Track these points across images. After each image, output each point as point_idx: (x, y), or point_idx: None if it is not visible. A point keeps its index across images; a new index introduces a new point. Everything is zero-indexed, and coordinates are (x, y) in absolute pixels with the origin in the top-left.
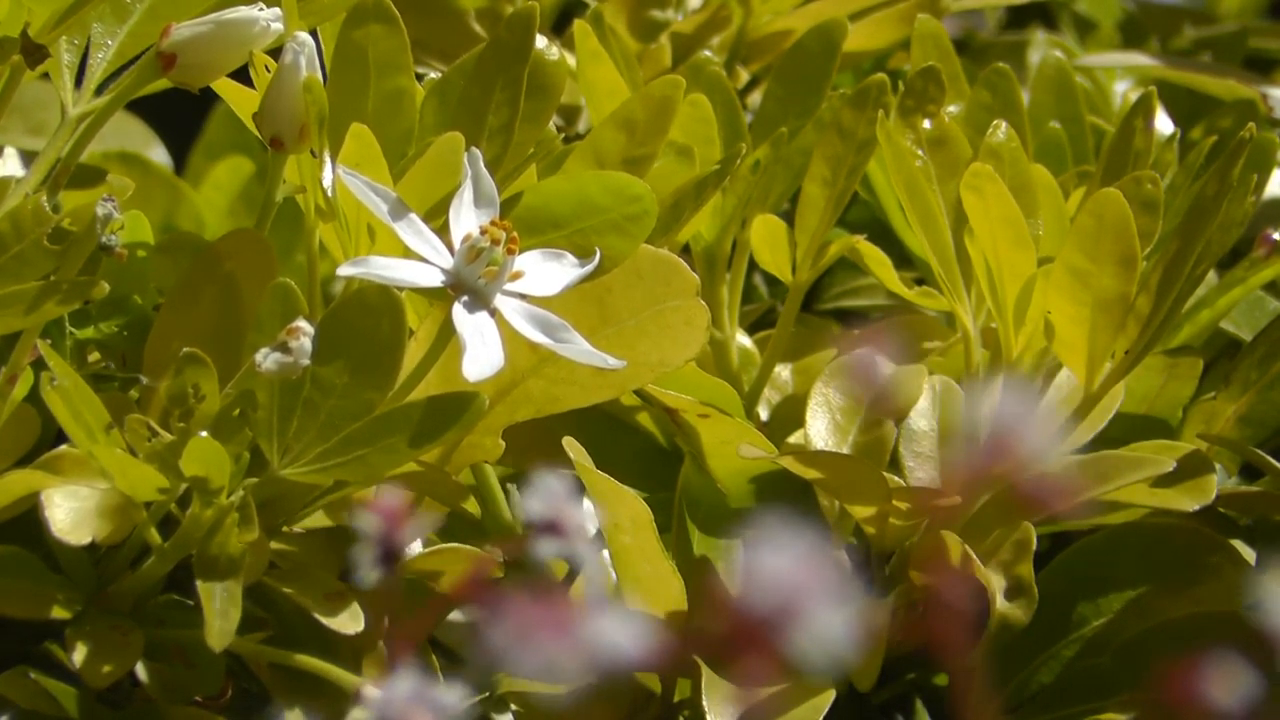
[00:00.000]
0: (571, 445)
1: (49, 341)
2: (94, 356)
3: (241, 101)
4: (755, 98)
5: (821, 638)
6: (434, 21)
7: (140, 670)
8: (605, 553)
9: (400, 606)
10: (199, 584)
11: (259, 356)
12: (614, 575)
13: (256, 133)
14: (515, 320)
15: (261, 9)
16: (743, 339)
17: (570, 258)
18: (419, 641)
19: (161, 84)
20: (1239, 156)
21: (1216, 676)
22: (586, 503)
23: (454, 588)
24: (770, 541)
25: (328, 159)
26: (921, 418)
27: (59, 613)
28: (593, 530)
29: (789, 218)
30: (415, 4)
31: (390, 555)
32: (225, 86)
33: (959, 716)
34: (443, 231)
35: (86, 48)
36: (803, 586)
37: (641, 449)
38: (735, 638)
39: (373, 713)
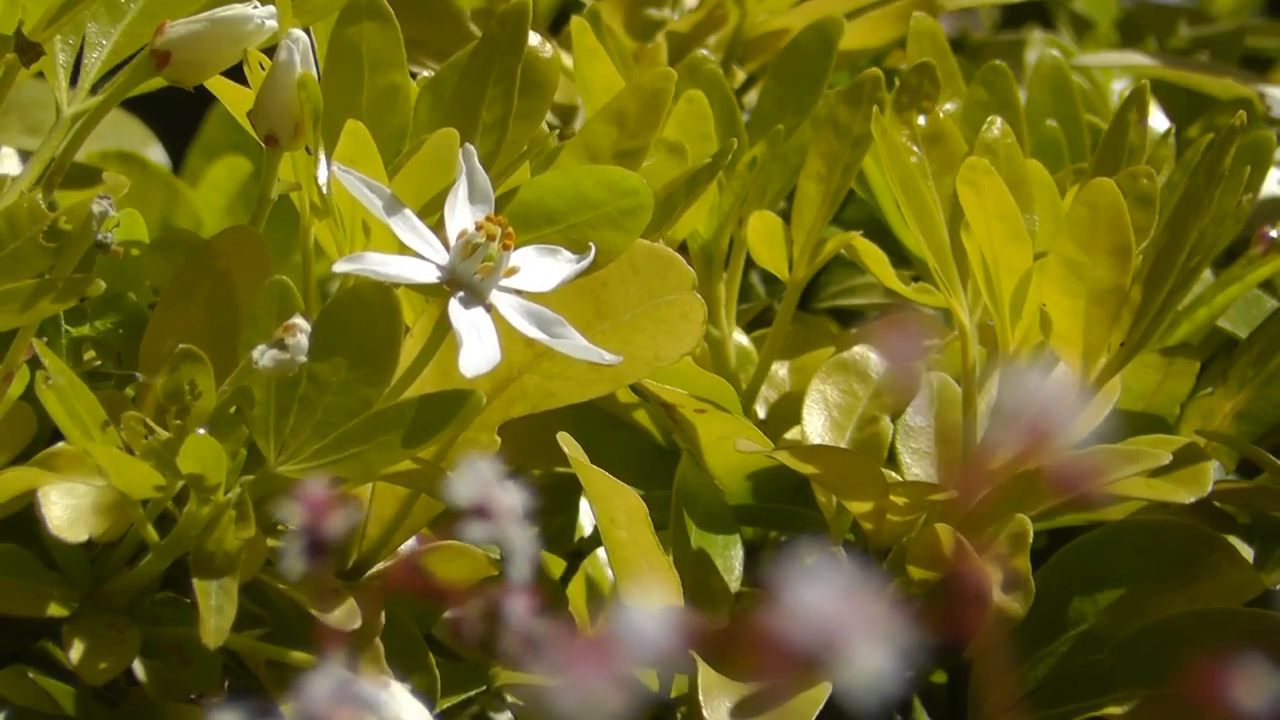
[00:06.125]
0: (566, 440)
1: (44, 339)
2: (89, 354)
3: (236, 99)
4: (751, 97)
5: (860, 673)
6: (431, 22)
7: (137, 668)
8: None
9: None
10: (195, 581)
11: (255, 353)
12: (610, 571)
13: (251, 130)
14: (511, 316)
15: (256, 7)
16: (740, 337)
17: (565, 253)
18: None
19: (157, 83)
20: (1229, 146)
21: (1227, 674)
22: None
23: (450, 584)
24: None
25: (323, 156)
26: (919, 414)
27: (55, 610)
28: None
29: (786, 217)
30: (412, 5)
31: (319, 546)
32: (220, 84)
33: (957, 713)
34: (438, 227)
35: (82, 47)
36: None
37: (639, 446)
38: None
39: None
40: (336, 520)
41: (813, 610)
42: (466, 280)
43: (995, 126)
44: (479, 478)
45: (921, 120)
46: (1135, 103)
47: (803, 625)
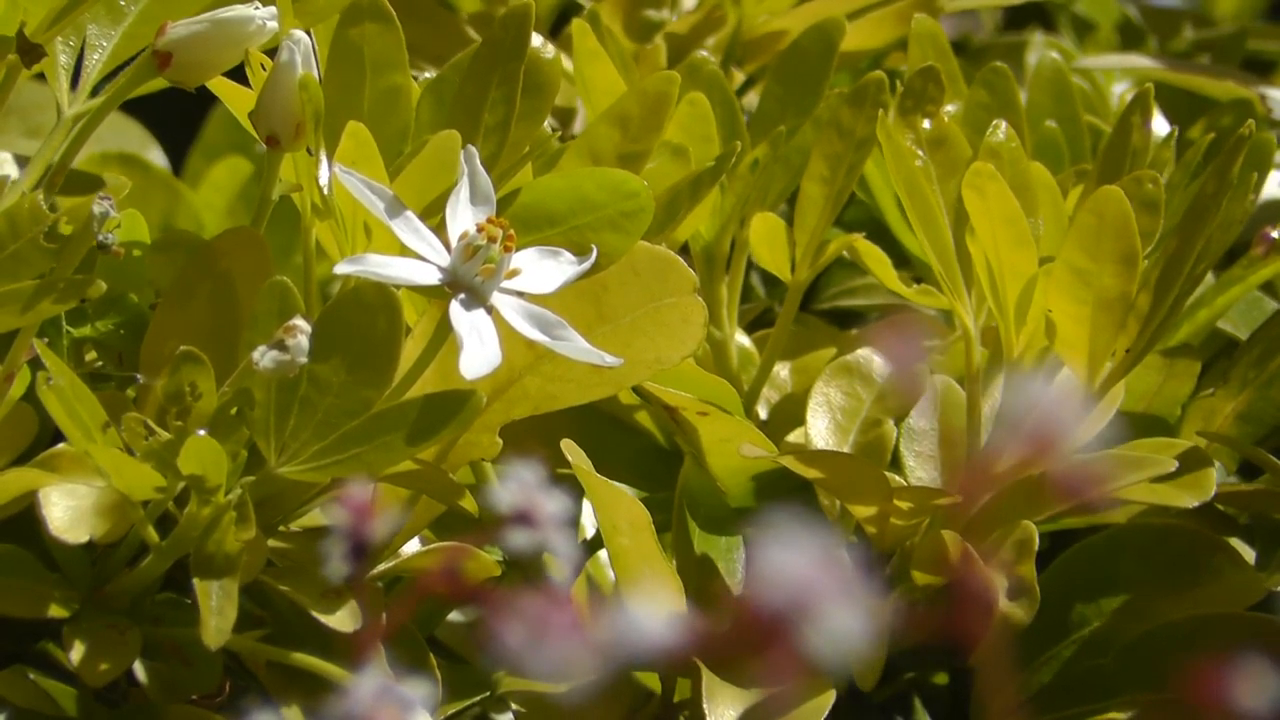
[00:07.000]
0: (570, 448)
1: (46, 340)
2: (91, 355)
3: (237, 100)
4: (750, 99)
5: (833, 636)
6: (428, 27)
7: (137, 669)
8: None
9: (396, 604)
10: (195, 582)
11: (256, 355)
12: (613, 576)
13: (253, 131)
14: (512, 318)
15: (257, 7)
16: (741, 338)
17: (567, 255)
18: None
19: (158, 84)
20: (1238, 154)
21: (1229, 678)
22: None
23: (451, 586)
24: (778, 540)
25: (324, 157)
26: (922, 417)
27: (56, 611)
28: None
29: (787, 218)
30: (409, 9)
31: (361, 550)
32: (221, 85)
33: (959, 716)
34: (439, 229)
35: (82, 49)
36: (813, 584)
37: (641, 448)
38: (740, 638)
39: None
40: (377, 522)
41: (795, 580)
42: (468, 282)
43: (1000, 131)
44: (521, 483)
45: (926, 124)
46: (1139, 106)
47: (791, 600)
